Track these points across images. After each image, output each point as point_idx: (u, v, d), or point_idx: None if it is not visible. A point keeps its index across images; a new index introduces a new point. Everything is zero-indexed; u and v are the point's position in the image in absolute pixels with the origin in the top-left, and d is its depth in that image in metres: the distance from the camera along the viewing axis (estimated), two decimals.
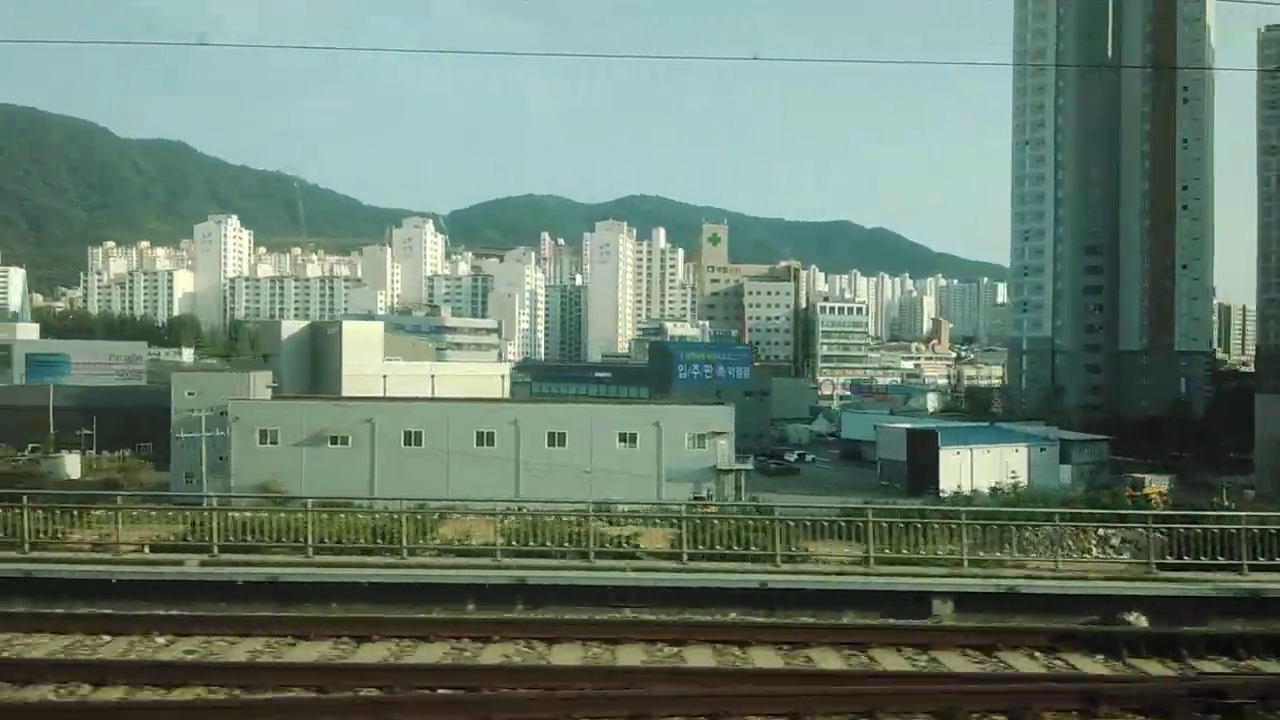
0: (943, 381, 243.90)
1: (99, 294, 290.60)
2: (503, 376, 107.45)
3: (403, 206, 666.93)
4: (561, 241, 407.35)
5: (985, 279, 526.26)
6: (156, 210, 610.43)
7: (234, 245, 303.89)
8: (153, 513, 24.63)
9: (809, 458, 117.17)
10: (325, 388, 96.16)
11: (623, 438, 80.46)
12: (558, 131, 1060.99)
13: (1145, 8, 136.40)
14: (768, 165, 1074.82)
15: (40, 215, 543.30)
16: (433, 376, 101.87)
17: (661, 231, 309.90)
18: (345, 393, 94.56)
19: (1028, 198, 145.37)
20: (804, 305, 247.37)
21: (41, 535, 20.38)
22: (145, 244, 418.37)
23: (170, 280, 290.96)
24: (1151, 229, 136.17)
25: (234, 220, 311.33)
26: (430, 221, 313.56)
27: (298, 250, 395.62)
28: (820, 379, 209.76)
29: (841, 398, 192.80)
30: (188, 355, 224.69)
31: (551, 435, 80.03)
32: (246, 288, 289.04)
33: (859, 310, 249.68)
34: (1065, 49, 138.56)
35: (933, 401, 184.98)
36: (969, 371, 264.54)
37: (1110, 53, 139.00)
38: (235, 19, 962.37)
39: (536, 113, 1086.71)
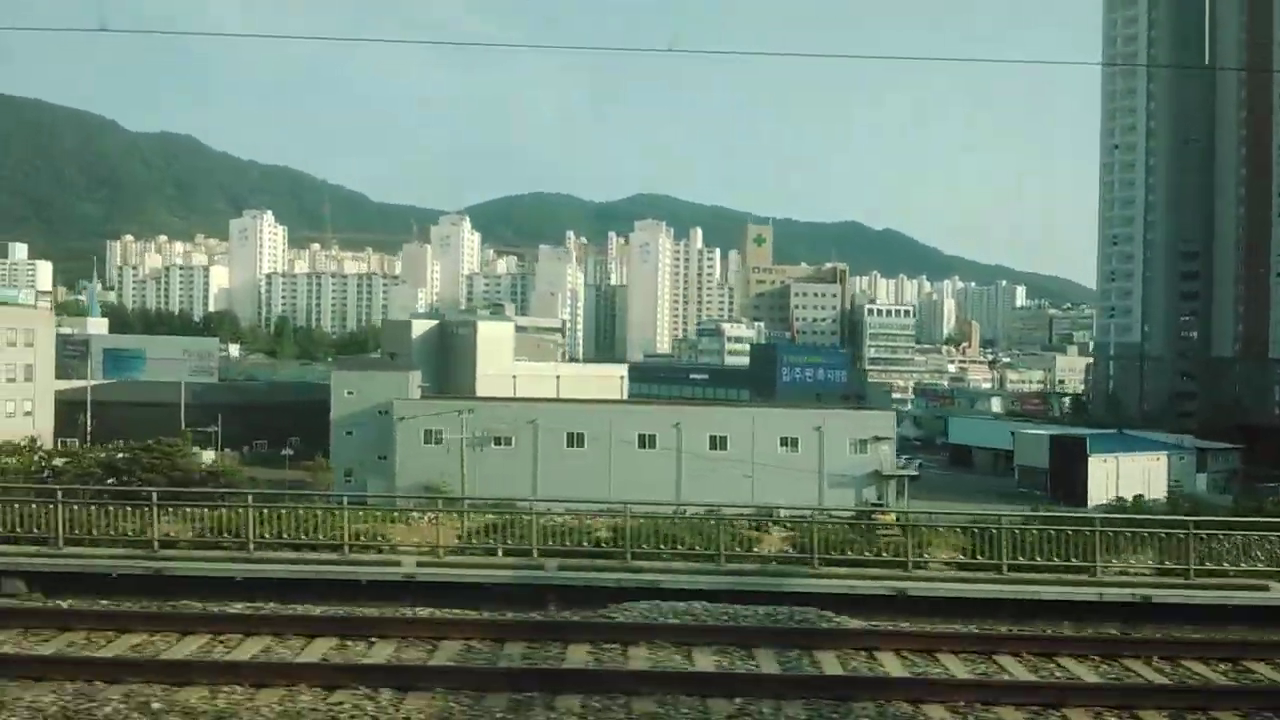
0: (985, 385, 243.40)
1: (134, 288, 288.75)
2: (621, 377, 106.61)
3: (411, 204, 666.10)
4: (585, 240, 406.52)
5: (1004, 281, 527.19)
6: (166, 204, 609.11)
7: (269, 241, 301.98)
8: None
9: (916, 462, 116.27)
10: (456, 387, 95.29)
11: (784, 441, 79.72)
12: (565, 130, 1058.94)
13: (1241, 9, 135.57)
14: (776, 165, 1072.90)
15: (51, 209, 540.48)
16: (558, 377, 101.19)
17: (699, 232, 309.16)
18: (479, 392, 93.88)
19: (1117, 202, 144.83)
20: (849, 307, 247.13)
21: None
22: (164, 238, 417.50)
23: (206, 276, 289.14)
24: (1247, 234, 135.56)
25: (269, 216, 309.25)
26: (467, 219, 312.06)
27: (316, 246, 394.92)
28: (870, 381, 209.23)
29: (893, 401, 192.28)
30: (234, 351, 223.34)
31: (714, 438, 79.29)
32: (283, 284, 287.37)
33: (906, 313, 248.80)
34: (1157, 53, 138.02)
35: (996, 406, 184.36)
36: (1011, 376, 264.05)
37: (1206, 56, 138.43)
38: (244, 15, 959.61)
39: (543, 111, 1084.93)
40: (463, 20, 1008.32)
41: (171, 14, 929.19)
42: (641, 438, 78.88)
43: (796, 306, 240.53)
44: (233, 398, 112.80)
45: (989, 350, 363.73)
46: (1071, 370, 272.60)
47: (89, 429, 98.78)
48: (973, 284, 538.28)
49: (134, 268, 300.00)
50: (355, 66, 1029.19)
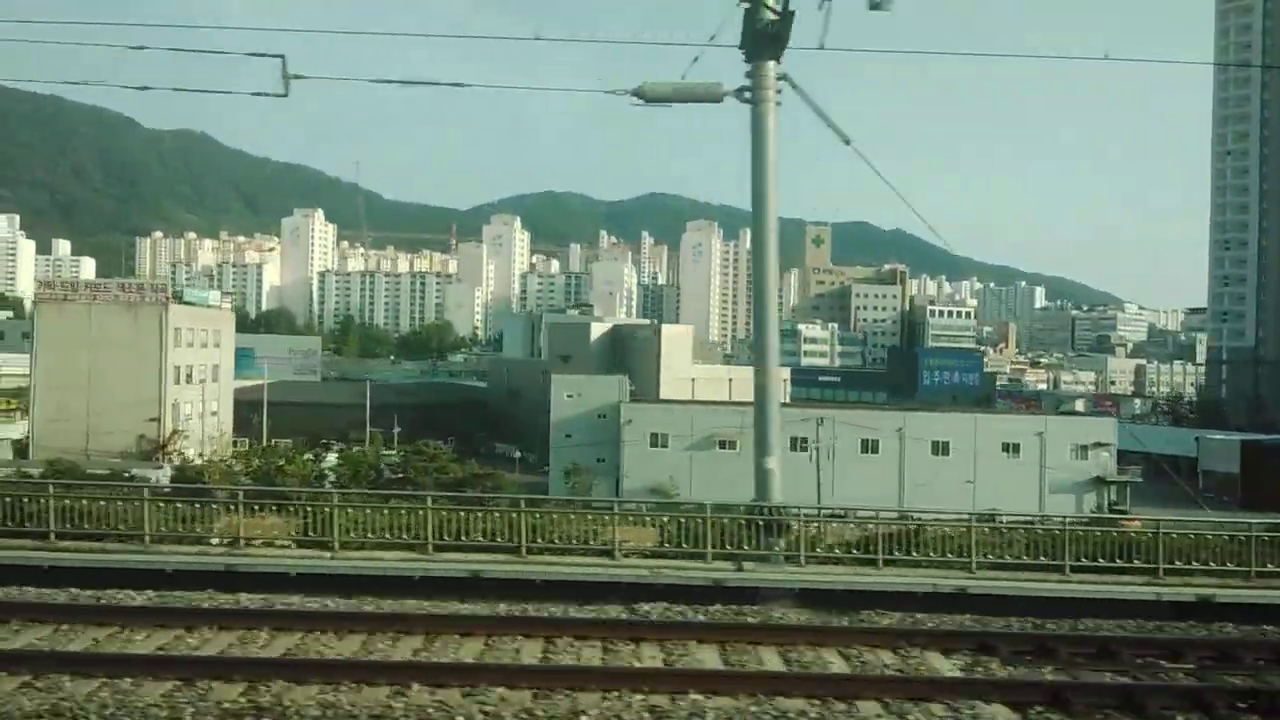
0: (1041, 386, 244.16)
1: (185, 286, 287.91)
2: (785, 380, 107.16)
3: (424, 202, 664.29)
4: (616, 240, 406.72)
5: (1023, 283, 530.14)
6: (183, 201, 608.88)
7: (320, 240, 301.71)
8: None
9: (1137, 469, 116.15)
10: (639, 389, 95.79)
11: (1005, 447, 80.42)
12: (573, 130, 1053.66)
13: None
14: (783, 164, 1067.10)
15: (71, 205, 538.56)
16: (730, 380, 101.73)
17: (747, 233, 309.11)
18: (663, 394, 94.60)
19: (1229, 207, 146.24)
20: (908, 308, 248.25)
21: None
22: (192, 235, 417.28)
23: (259, 273, 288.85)
24: None
25: (319, 215, 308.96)
26: (518, 219, 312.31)
27: (345, 244, 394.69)
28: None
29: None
30: None
31: (936, 444, 79.99)
32: (337, 282, 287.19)
33: (966, 314, 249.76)
34: (1274, 59, 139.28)
35: (1080, 407, 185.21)
36: (1065, 377, 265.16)
37: None
38: (254, 11, 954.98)
39: (551, 110, 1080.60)
40: (471, 19, 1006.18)
41: (179, 12, 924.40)
42: (864, 443, 79.62)
43: (858, 307, 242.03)
44: (389, 397, 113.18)
45: (1019, 351, 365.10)
46: (1121, 372, 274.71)
47: (265, 429, 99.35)
48: (991, 284, 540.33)
49: (186, 265, 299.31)
50: (366, 65, 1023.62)
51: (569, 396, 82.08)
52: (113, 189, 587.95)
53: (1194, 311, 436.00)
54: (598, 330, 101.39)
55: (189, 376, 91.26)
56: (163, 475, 66.84)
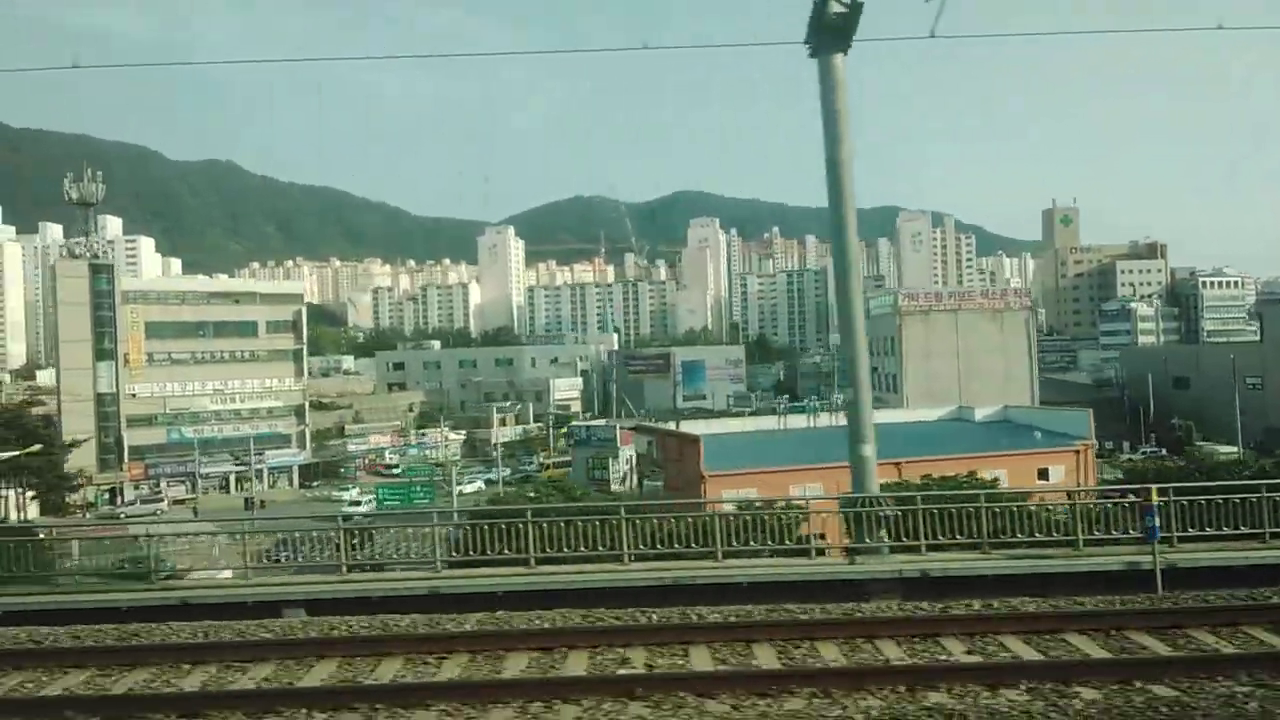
0: None
1: (390, 309, 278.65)
2: None
3: (451, 215, 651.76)
4: (735, 236, 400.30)
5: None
6: (224, 231, 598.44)
7: (514, 256, 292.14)
8: None
9: None
10: None
11: None
12: (588, 133, 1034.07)
13: None
14: (804, 155, 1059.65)
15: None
16: None
17: (951, 219, 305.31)
18: None
19: None
20: (1171, 280, 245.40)
21: None
22: (290, 263, 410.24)
23: (465, 293, 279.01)
24: None
25: (511, 231, 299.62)
26: (716, 220, 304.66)
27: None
28: None
29: None
30: None
31: None
32: (546, 296, 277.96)
33: (1237, 284, 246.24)
34: None
35: None
36: None
37: None
38: (269, 39, 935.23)
39: (567, 116, 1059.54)
40: (479, 31, 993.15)
41: (191, 44, 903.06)
42: None
43: (1123, 284, 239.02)
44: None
45: None
46: None
47: None
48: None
49: (389, 289, 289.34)
50: (381, 82, 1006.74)
51: None
52: (155, 223, 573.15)
53: None
54: None
55: None
56: None
